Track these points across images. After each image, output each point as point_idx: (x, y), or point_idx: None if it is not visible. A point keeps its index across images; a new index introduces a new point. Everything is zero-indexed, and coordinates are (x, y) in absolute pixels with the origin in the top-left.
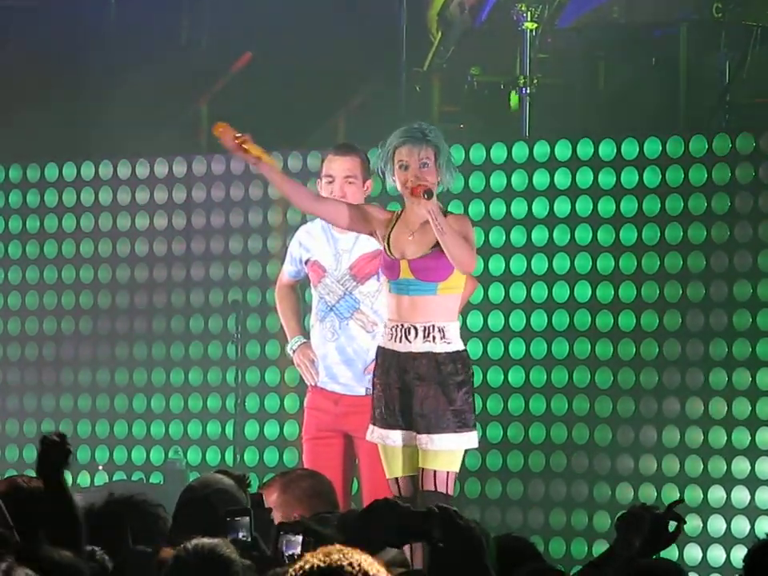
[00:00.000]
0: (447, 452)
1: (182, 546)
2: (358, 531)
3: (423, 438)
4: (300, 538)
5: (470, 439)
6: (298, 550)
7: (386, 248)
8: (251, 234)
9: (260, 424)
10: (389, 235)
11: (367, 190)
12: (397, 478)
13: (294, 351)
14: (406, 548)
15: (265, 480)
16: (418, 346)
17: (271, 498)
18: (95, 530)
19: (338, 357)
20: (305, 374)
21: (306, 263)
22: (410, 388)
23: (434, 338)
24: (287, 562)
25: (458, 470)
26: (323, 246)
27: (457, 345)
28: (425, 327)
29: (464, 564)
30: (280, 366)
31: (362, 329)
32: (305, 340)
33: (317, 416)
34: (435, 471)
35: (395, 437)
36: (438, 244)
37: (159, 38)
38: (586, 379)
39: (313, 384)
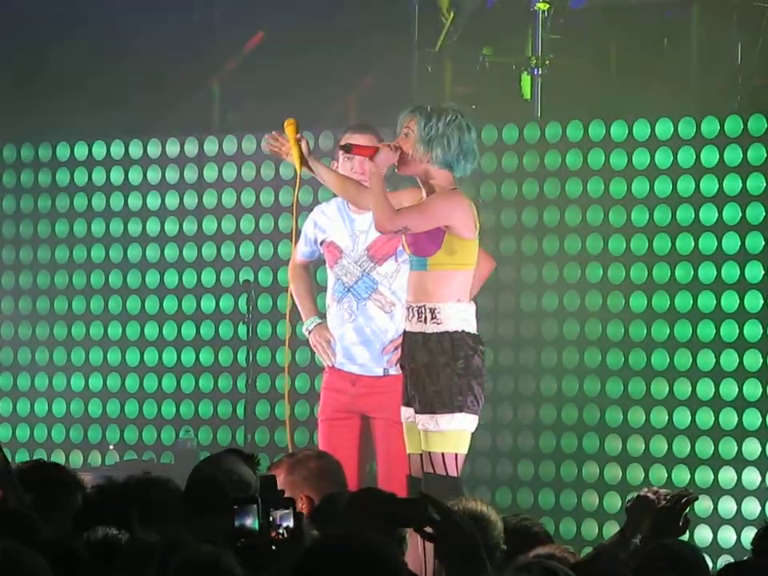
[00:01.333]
0: (436, 433)
1: (183, 555)
2: (344, 518)
3: (418, 419)
4: (290, 510)
5: (452, 420)
6: (292, 523)
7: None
8: (263, 213)
9: (271, 404)
10: None
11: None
12: (410, 455)
13: (309, 332)
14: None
15: (275, 459)
16: (413, 326)
17: (278, 479)
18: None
19: (356, 337)
20: (321, 354)
21: (321, 244)
22: (408, 368)
23: (425, 318)
24: (283, 535)
25: (458, 451)
26: (339, 226)
27: (448, 326)
28: (418, 308)
29: (460, 559)
30: (291, 346)
31: (380, 309)
32: (320, 321)
33: (334, 397)
34: (430, 453)
35: (407, 413)
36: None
37: (171, 17)
38: (597, 360)
39: (330, 365)
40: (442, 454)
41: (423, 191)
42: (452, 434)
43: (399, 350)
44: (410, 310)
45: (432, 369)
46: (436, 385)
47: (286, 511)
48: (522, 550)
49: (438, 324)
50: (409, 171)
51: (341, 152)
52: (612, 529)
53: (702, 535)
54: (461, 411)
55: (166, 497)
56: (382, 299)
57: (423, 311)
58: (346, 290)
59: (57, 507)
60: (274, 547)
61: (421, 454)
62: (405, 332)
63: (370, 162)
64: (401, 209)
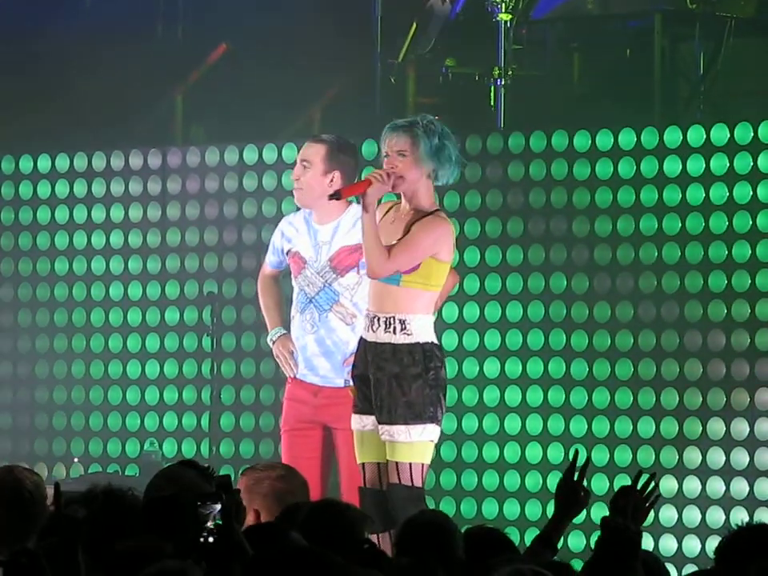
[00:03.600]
0: (405, 444)
1: (149, 570)
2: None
3: (381, 429)
4: (217, 506)
5: (423, 432)
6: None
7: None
8: (226, 225)
9: (235, 416)
10: (380, 221)
11: (333, 180)
12: (363, 464)
13: (273, 342)
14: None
15: (241, 471)
16: (380, 336)
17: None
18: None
19: (317, 348)
20: (284, 365)
21: (287, 254)
22: (372, 377)
23: (394, 329)
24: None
25: (424, 462)
26: (304, 237)
27: (418, 337)
28: (386, 318)
29: None
30: (255, 358)
31: (342, 321)
32: (284, 331)
33: (296, 407)
34: (397, 463)
35: (364, 422)
36: (400, 239)
37: (134, 30)
38: (561, 370)
39: (292, 375)
40: (410, 464)
41: (405, 206)
42: (421, 445)
43: (352, 357)
44: (376, 319)
45: (402, 380)
46: (407, 396)
47: (216, 506)
48: (485, 560)
49: (408, 335)
50: (401, 190)
51: (329, 199)
52: (578, 539)
53: (667, 544)
54: (431, 422)
55: (126, 509)
56: (343, 311)
57: (392, 322)
58: (308, 300)
59: (23, 522)
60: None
61: (378, 464)
62: (365, 341)
63: (365, 198)
64: (393, 251)
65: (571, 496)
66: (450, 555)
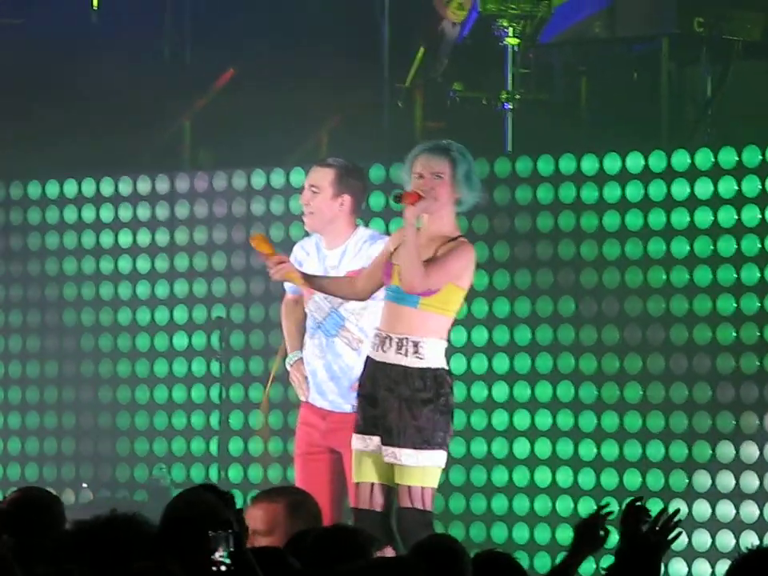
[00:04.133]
0: (417, 468)
1: None
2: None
3: (386, 450)
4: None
5: (432, 457)
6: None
7: (390, 254)
8: (234, 250)
9: (244, 440)
10: (400, 244)
11: (343, 204)
12: (358, 483)
13: (291, 366)
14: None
15: (250, 496)
16: (391, 356)
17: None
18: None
19: (326, 374)
20: (297, 389)
21: None
22: (381, 399)
23: (406, 351)
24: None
25: (434, 486)
26: (314, 262)
27: (430, 362)
28: (399, 339)
29: None
30: (264, 383)
31: (348, 346)
32: (301, 355)
33: (307, 431)
34: (409, 487)
35: (368, 444)
36: (430, 259)
37: (142, 54)
38: (570, 394)
39: (304, 399)
40: (422, 488)
41: (426, 229)
42: (431, 470)
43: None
44: (388, 340)
45: (413, 403)
46: (418, 420)
47: (226, 534)
48: None
49: (420, 359)
50: (431, 212)
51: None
52: (586, 564)
53: (677, 568)
54: (440, 448)
55: (133, 534)
56: (349, 336)
57: (404, 343)
58: (317, 326)
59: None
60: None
61: (372, 484)
62: (373, 361)
63: (409, 213)
64: (427, 269)
65: (590, 532)
66: None
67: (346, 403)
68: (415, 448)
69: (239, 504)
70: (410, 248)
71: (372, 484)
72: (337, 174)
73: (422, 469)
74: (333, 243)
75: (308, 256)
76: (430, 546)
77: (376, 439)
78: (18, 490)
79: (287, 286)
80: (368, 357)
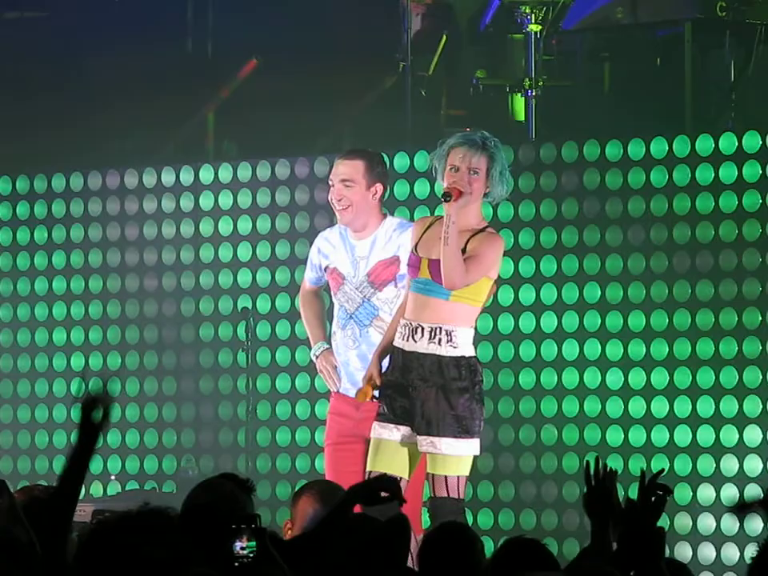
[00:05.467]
0: (455, 457)
1: None
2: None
3: (423, 440)
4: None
5: (470, 446)
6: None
7: (414, 246)
8: (260, 240)
9: (271, 431)
10: (422, 234)
11: (376, 193)
12: (370, 472)
13: (316, 357)
14: None
15: (277, 487)
16: (423, 346)
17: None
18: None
19: (360, 364)
20: (327, 380)
21: (325, 270)
22: (412, 387)
23: (439, 340)
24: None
25: (467, 475)
26: (341, 253)
27: (463, 350)
28: (432, 328)
29: None
30: (291, 373)
31: (382, 335)
32: (327, 346)
33: (339, 421)
34: (446, 477)
35: (393, 433)
36: (462, 252)
37: (165, 46)
38: (596, 380)
39: (335, 390)
40: (458, 478)
41: (451, 221)
42: (468, 459)
43: (377, 355)
44: (419, 329)
45: (449, 392)
46: (456, 409)
47: (247, 531)
48: (524, 571)
49: (454, 348)
50: (463, 206)
51: (443, 199)
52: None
53: (682, 552)
54: (477, 437)
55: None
56: (383, 325)
57: (437, 332)
58: (348, 316)
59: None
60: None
61: (402, 477)
62: (401, 350)
63: (451, 210)
64: (466, 265)
65: (599, 504)
66: (472, 566)
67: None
68: (455, 437)
69: (266, 495)
70: (453, 247)
71: (384, 475)
72: (367, 165)
73: (459, 458)
74: (362, 233)
75: (335, 249)
76: (440, 534)
77: (404, 429)
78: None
79: (307, 276)
80: (395, 347)
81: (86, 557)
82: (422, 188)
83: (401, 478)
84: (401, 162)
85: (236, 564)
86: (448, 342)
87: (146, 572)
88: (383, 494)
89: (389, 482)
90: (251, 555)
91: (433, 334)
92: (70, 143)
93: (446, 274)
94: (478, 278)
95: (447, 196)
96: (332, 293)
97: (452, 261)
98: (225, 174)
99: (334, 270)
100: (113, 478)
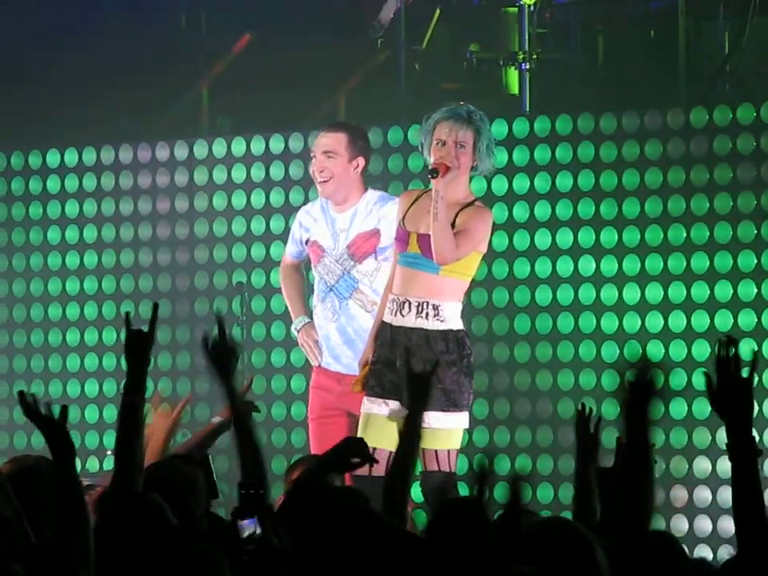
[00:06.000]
0: (444, 431)
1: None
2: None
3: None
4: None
5: (459, 419)
6: (256, 530)
7: (401, 220)
8: (254, 215)
9: (267, 405)
10: (408, 208)
11: (358, 167)
12: (374, 449)
13: (298, 331)
14: None
15: (273, 462)
16: (410, 320)
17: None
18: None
19: (340, 337)
20: (309, 354)
21: (306, 243)
22: (401, 361)
23: (426, 314)
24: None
25: (458, 448)
26: (322, 226)
27: (451, 324)
28: (419, 303)
29: None
30: (286, 347)
31: (362, 308)
32: (309, 320)
33: (321, 395)
34: (436, 451)
35: (382, 408)
36: (451, 226)
37: (158, 21)
38: (591, 353)
39: (316, 365)
40: (448, 451)
41: (440, 196)
42: (457, 432)
43: (372, 338)
44: (406, 304)
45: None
46: (444, 383)
47: (251, 519)
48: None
49: (441, 321)
50: (451, 181)
51: (429, 176)
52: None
53: (678, 525)
54: (466, 410)
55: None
56: (363, 298)
57: (424, 307)
58: (328, 289)
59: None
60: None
61: (390, 452)
62: (390, 326)
63: (439, 186)
64: (456, 240)
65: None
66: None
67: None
68: (443, 410)
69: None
70: (443, 222)
71: (384, 450)
72: (350, 138)
73: (449, 431)
74: (343, 206)
75: (316, 222)
76: (453, 510)
77: (393, 403)
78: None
79: (288, 249)
80: (383, 322)
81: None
82: (416, 162)
83: (391, 452)
84: (395, 135)
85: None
86: (435, 316)
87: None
88: (354, 459)
89: (355, 446)
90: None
91: (420, 308)
92: (64, 120)
93: (437, 249)
94: (468, 252)
95: (434, 172)
96: (312, 265)
97: (442, 236)
98: (219, 148)
99: (315, 242)
100: (109, 453)
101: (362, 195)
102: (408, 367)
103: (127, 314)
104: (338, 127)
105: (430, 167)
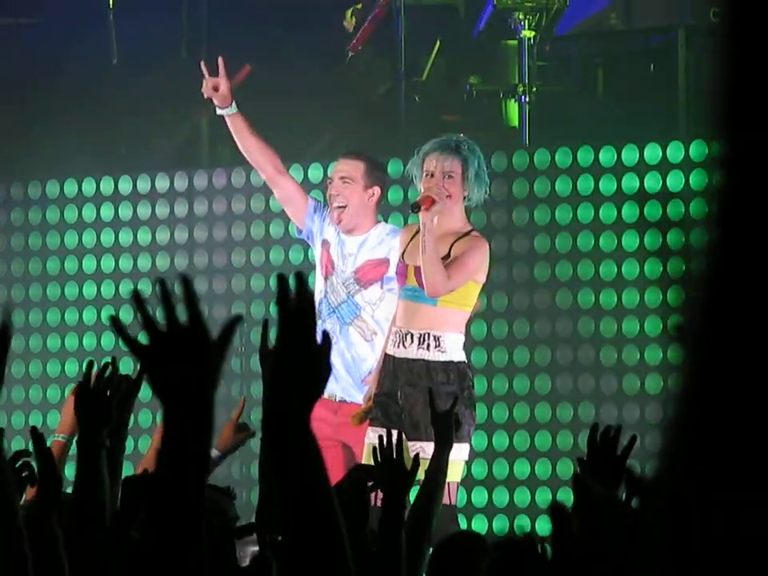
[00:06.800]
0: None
1: None
2: None
3: (412, 446)
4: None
5: (458, 451)
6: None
7: (402, 254)
8: (254, 246)
9: None
10: (408, 242)
11: (373, 195)
12: None
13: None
14: None
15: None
16: (412, 352)
17: None
18: None
19: (339, 360)
20: None
21: (322, 243)
22: (402, 393)
23: (428, 345)
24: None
25: (458, 480)
26: (334, 245)
27: (452, 355)
28: (420, 334)
29: None
30: None
31: (361, 336)
32: None
33: (316, 426)
34: None
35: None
36: (447, 256)
37: (159, 52)
38: (591, 385)
39: None
40: (448, 484)
41: (437, 227)
42: (457, 464)
43: (378, 372)
44: (408, 336)
45: (437, 397)
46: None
47: (250, 538)
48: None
49: (442, 353)
50: (443, 211)
51: (410, 210)
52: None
53: None
54: (466, 442)
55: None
56: (364, 326)
57: (426, 338)
58: (332, 310)
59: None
60: None
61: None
62: (392, 357)
63: (426, 219)
64: (448, 271)
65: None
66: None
67: (358, 394)
68: None
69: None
70: (431, 254)
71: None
72: (367, 166)
73: (451, 463)
74: (353, 232)
75: (330, 239)
76: (455, 544)
77: (393, 434)
78: None
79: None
80: (386, 354)
81: None
82: (415, 194)
83: None
84: (394, 168)
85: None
86: (436, 347)
87: None
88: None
89: (364, 471)
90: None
91: (422, 339)
92: (63, 151)
93: (427, 282)
94: (462, 283)
95: (415, 207)
96: (320, 274)
97: (431, 268)
98: (219, 179)
99: (330, 253)
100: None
101: (373, 225)
102: (432, 408)
103: (90, 363)
104: (356, 155)
105: (412, 202)
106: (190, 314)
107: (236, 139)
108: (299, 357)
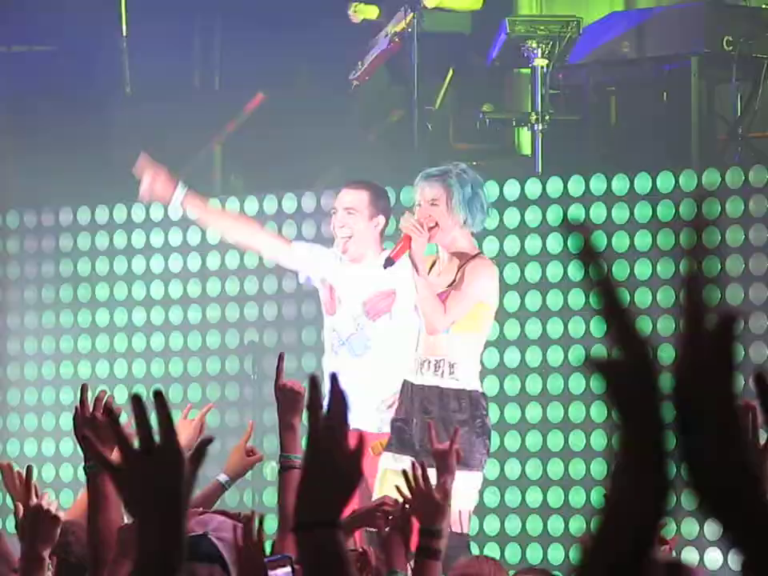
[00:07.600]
0: (456, 491)
1: None
2: None
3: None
4: (287, 569)
5: (468, 479)
6: None
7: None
8: (266, 274)
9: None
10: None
11: (378, 225)
12: None
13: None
14: None
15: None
16: (428, 379)
17: None
18: None
19: (350, 389)
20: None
21: (322, 281)
22: (415, 420)
23: (442, 372)
24: None
25: (470, 509)
26: (340, 276)
27: (466, 383)
28: (436, 361)
29: None
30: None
31: (371, 367)
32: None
33: None
34: None
35: (399, 464)
36: (451, 283)
37: (172, 80)
38: (603, 413)
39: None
40: (459, 511)
41: (445, 255)
42: (469, 492)
43: (396, 398)
44: (426, 363)
45: (449, 425)
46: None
47: (286, 570)
48: None
49: (456, 380)
50: (437, 240)
51: (385, 266)
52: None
53: (689, 557)
54: (477, 470)
55: None
56: (374, 357)
57: (441, 365)
58: (341, 342)
59: None
60: None
61: None
62: (411, 384)
63: (416, 259)
64: (446, 304)
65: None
66: None
67: (369, 422)
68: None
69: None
70: (422, 293)
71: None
72: (371, 196)
73: (459, 491)
74: (358, 262)
75: (334, 271)
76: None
77: (407, 459)
78: None
79: (313, 279)
80: (405, 380)
81: None
82: None
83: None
84: (407, 195)
85: None
86: (450, 374)
87: None
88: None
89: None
90: None
91: (437, 366)
92: (77, 179)
93: (425, 320)
94: (462, 313)
95: (388, 262)
96: (326, 311)
97: (426, 307)
98: (232, 207)
99: (332, 288)
100: None
101: (379, 254)
102: (431, 446)
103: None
104: (360, 184)
105: (385, 259)
106: (162, 433)
107: (204, 221)
108: (329, 468)
